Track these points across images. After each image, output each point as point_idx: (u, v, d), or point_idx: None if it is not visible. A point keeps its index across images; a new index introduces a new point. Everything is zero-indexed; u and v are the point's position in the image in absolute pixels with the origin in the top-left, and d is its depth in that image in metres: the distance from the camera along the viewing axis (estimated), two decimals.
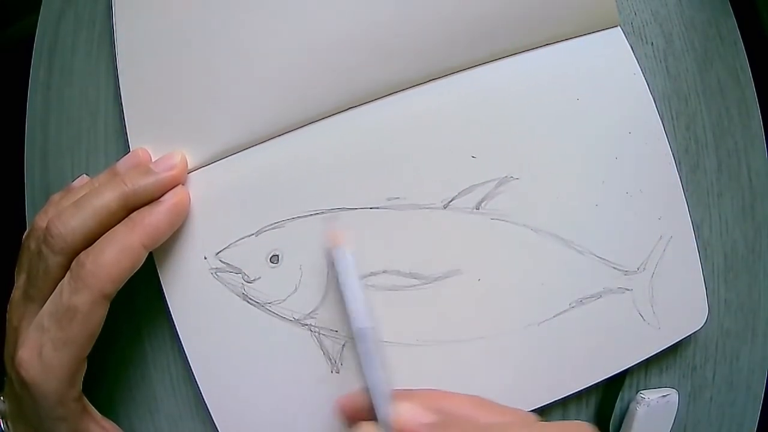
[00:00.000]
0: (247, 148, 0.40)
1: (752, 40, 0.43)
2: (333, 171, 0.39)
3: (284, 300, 0.39)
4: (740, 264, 0.43)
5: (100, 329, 0.35)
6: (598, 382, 0.40)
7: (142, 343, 0.41)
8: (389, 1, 0.39)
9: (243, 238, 0.39)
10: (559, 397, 0.39)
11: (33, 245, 0.36)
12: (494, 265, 0.39)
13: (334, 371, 0.39)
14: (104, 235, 0.35)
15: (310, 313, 0.39)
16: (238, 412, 0.39)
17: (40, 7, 0.43)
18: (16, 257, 0.38)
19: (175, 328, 0.39)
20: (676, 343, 0.40)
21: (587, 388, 0.39)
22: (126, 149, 0.40)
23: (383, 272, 0.39)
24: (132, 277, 0.36)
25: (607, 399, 0.41)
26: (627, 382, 0.42)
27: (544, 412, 0.40)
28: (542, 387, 0.40)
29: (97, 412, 0.37)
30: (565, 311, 0.39)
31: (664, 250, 0.40)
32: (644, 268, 0.40)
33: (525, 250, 0.39)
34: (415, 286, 0.39)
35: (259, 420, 0.39)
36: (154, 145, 0.39)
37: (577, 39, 0.41)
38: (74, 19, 0.43)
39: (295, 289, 0.39)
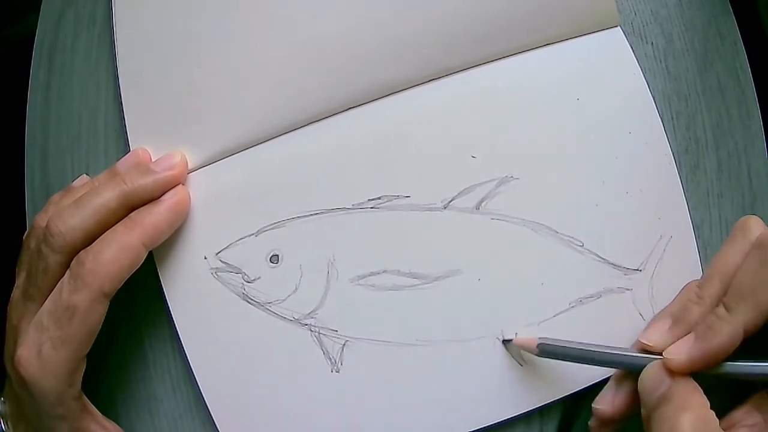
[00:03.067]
0: (247, 148, 0.40)
1: (752, 40, 0.43)
2: (333, 171, 0.40)
3: (284, 300, 0.39)
4: None
5: (99, 328, 0.35)
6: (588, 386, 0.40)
7: (142, 343, 0.41)
8: (389, 1, 0.39)
9: (243, 238, 0.39)
10: (560, 397, 0.39)
11: (33, 244, 0.36)
12: (494, 264, 0.39)
13: (334, 371, 0.39)
14: (104, 234, 0.35)
15: (309, 312, 0.39)
16: (238, 412, 0.39)
17: (40, 7, 0.43)
18: (17, 257, 0.38)
19: (175, 328, 0.39)
20: None
21: (585, 387, 0.40)
22: (126, 149, 0.40)
23: (383, 272, 0.39)
24: (132, 276, 0.36)
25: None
26: None
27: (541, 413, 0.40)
28: (543, 387, 0.39)
29: (98, 412, 0.37)
30: (565, 311, 0.39)
31: (664, 250, 0.40)
32: (644, 268, 0.40)
33: (525, 250, 0.40)
34: (415, 285, 0.39)
35: (259, 420, 0.39)
36: (154, 145, 0.39)
37: (577, 39, 0.41)
38: (74, 19, 0.43)
39: (295, 288, 0.39)
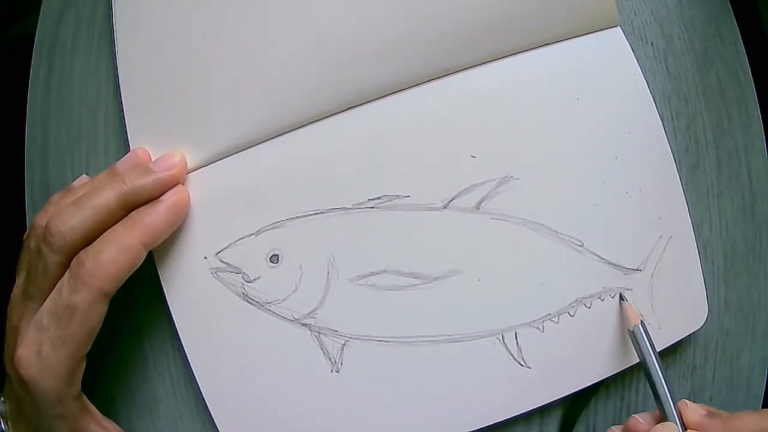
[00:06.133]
0: (247, 148, 0.40)
1: (752, 40, 0.43)
2: (333, 170, 0.39)
3: (284, 300, 0.39)
4: (740, 264, 0.43)
5: (99, 328, 0.35)
6: (588, 386, 0.40)
7: (142, 343, 0.41)
8: (389, 1, 0.39)
9: (243, 238, 0.39)
10: (559, 397, 0.39)
11: (33, 244, 0.36)
12: (494, 264, 0.39)
13: (333, 371, 0.39)
14: (104, 234, 0.35)
15: (309, 312, 0.39)
16: (238, 411, 0.39)
17: (40, 7, 0.43)
18: (17, 257, 0.38)
19: (175, 328, 0.39)
20: (676, 343, 0.40)
21: (585, 387, 0.40)
22: (126, 149, 0.40)
23: (383, 272, 0.39)
24: (132, 276, 0.36)
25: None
26: (627, 381, 0.42)
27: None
28: (543, 387, 0.40)
29: (98, 411, 0.37)
30: (564, 311, 0.39)
31: (664, 250, 0.40)
32: (644, 268, 0.40)
33: (525, 250, 0.40)
34: (415, 285, 0.39)
35: (259, 420, 0.39)
36: (154, 144, 0.39)
37: (577, 39, 0.41)
38: (74, 19, 0.43)
39: (295, 288, 0.39)
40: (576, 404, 0.41)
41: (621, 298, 0.40)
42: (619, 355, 0.40)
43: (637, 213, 0.40)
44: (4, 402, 0.38)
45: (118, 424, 0.38)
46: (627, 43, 0.41)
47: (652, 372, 0.37)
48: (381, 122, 0.40)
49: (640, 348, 0.38)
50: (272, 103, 0.39)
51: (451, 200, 0.40)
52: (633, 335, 0.38)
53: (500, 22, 0.40)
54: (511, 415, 0.39)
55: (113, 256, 0.34)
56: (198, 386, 0.39)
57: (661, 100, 0.42)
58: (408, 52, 0.40)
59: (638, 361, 0.40)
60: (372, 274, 0.39)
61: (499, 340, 0.39)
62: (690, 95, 0.42)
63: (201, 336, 0.39)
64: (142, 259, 0.36)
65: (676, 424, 0.35)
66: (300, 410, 0.39)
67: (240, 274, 0.39)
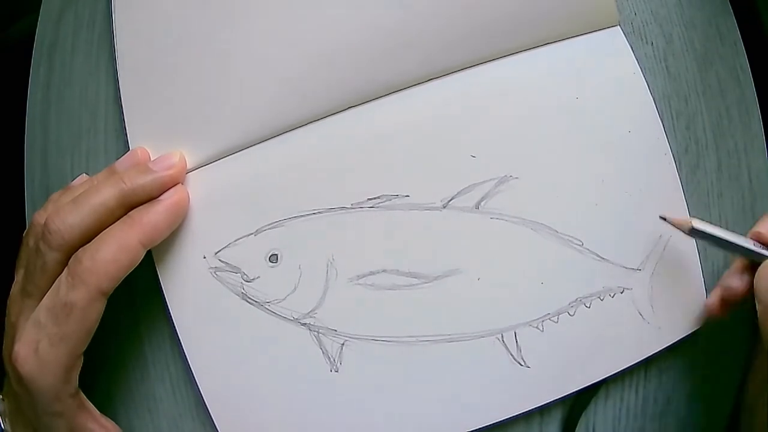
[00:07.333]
0: (246, 148, 0.40)
1: (752, 40, 0.43)
2: (332, 170, 0.40)
3: (283, 299, 0.39)
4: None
5: (97, 326, 0.35)
6: (588, 386, 0.40)
7: (142, 343, 0.41)
8: (387, 2, 0.39)
9: (242, 238, 0.39)
10: (559, 397, 0.39)
11: (32, 242, 0.36)
12: (494, 264, 0.39)
13: (332, 370, 0.39)
14: (102, 233, 0.35)
15: (309, 312, 0.39)
16: (238, 411, 0.39)
17: (40, 7, 0.43)
18: (16, 256, 0.38)
19: (175, 328, 0.39)
20: (676, 342, 0.40)
21: (585, 387, 0.39)
22: (126, 149, 0.40)
23: (383, 271, 0.39)
24: (131, 276, 0.36)
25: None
26: (627, 381, 0.41)
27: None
28: (543, 387, 0.39)
29: (96, 410, 0.37)
30: (564, 310, 0.39)
31: (664, 250, 0.40)
32: (644, 268, 0.40)
33: (524, 250, 0.39)
34: (414, 285, 0.39)
35: (259, 419, 0.39)
36: (153, 144, 0.39)
37: (577, 38, 0.41)
38: (74, 19, 0.43)
39: (294, 288, 0.39)
40: (576, 404, 0.41)
41: (662, 218, 0.39)
42: (619, 354, 0.40)
43: (637, 212, 0.40)
44: (3, 400, 0.38)
45: (117, 423, 0.38)
46: (627, 43, 0.41)
47: (732, 239, 0.37)
48: (380, 122, 0.40)
49: (711, 234, 0.38)
50: (271, 103, 0.39)
51: (451, 200, 0.39)
52: (697, 231, 0.38)
53: (499, 21, 0.40)
54: (511, 415, 0.39)
55: (112, 255, 0.34)
56: (197, 385, 0.39)
57: (661, 100, 0.42)
58: (407, 51, 0.40)
59: (638, 360, 0.40)
60: (371, 273, 0.39)
61: (499, 339, 0.39)
62: (690, 95, 0.42)
63: (200, 335, 0.39)
64: (141, 258, 0.36)
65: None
66: (299, 410, 0.39)
67: (239, 274, 0.39)
